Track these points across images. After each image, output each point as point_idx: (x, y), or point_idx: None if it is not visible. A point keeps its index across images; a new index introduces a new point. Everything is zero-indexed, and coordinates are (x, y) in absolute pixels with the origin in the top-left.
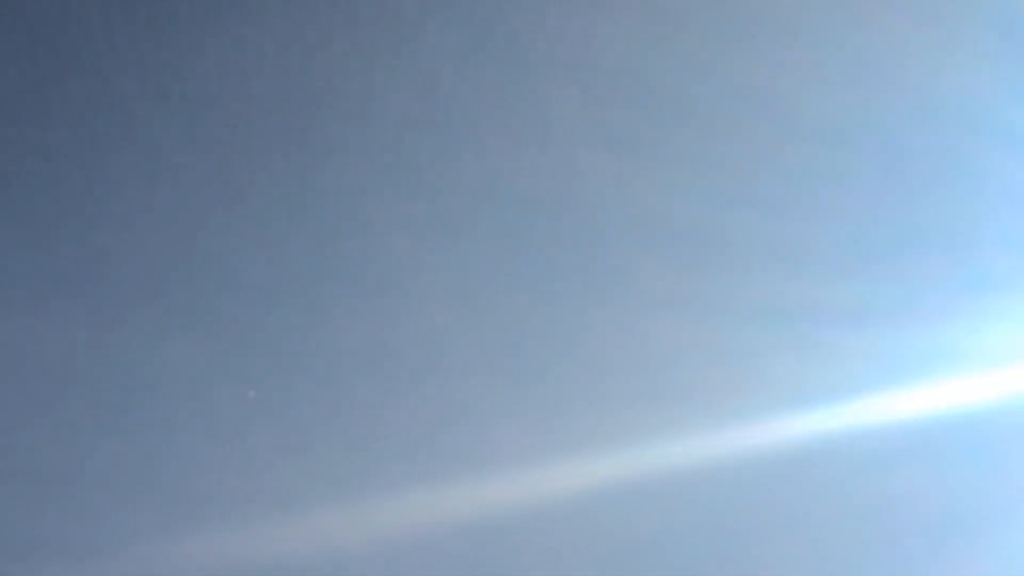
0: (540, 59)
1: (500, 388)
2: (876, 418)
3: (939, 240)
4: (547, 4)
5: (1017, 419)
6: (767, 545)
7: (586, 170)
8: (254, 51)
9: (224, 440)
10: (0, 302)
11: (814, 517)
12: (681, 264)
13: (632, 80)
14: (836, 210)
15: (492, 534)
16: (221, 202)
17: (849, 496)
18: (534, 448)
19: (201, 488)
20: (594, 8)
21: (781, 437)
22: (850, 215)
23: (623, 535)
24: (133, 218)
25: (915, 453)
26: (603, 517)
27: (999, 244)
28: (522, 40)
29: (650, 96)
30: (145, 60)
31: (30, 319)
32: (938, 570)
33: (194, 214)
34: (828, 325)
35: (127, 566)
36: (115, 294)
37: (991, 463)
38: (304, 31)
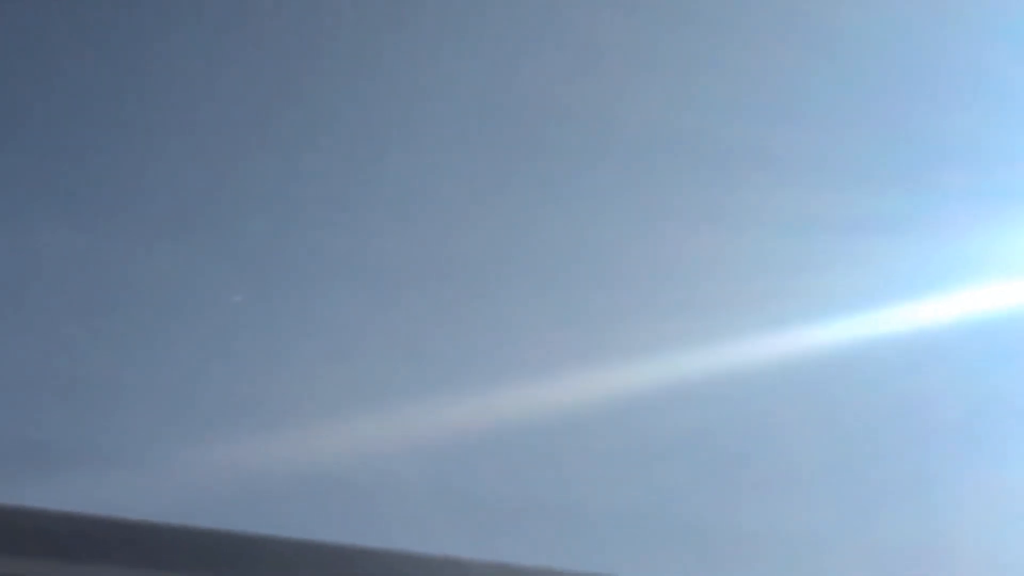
0: None
1: (530, 297)
2: (903, 327)
3: (966, 151)
4: None
5: None
6: (794, 450)
7: (610, 81)
8: None
9: (264, 348)
10: None
11: (841, 424)
12: (707, 175)
13: None
14: (863, 120)
15: (522, 442)
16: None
17: (876, 402)
18: (563, 358)
19: (239, 394)
20: None
21: (807, 346)
22: (878, 125)
23: (654, 441)
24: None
25: (942, 360)
26: (633, 424)
27: None
28: None
29: (666, 4)
30: None
31: (19, 227)
32: (964, 476)
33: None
34: (855, 235)
35: (148, 472)
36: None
37: (1019, 369)
38: None
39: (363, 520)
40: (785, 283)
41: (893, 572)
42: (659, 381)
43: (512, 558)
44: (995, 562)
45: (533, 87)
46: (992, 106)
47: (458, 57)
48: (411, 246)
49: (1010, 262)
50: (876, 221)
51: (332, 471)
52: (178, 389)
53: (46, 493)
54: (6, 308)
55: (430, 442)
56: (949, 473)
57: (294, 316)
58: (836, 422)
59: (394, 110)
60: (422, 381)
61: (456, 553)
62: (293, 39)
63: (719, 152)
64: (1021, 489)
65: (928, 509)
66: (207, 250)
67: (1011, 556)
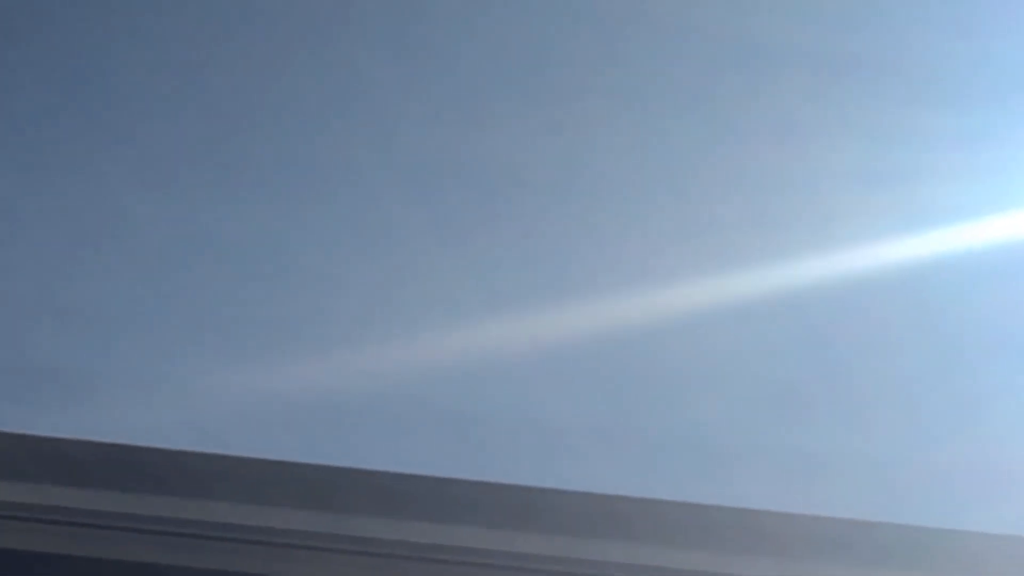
0: None
1: (632, 208)
2: (989, 240)
3: None
4: None
5: None
6: (879, 361)
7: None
8: None
9: (354, 259)
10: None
11: (928, 336)
12: (802, 90)
13: None
14: (951, 37)
15: (577, 365)
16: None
17: (964, 315)
18: (665, 268)
19: (321, 311)
20: None
21: (897, 259)
22: (965, 43)
23: (746, 352)
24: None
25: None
26: (725, 335)
27: None
28: None
29: None
30: None
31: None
32: None
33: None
34: (942, 150)
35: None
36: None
37: None
38: None
39: (398, 446)
40: (870, 197)
41: (957, 494)
42: (735, 297)
43: (567, 484)
44: None
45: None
46: None
47: None
48: (443, 152)
49: None
50: (972, 135)
51: (364, 395)
52: (199, 314)
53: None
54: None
55: (502, 364)
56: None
57: (324, 235)
58: (915, 341)
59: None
60: (487, 299)
61: (511, 480)
62: None
63: (819, 65)
64: None
65: (1001, 431)
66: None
67: None
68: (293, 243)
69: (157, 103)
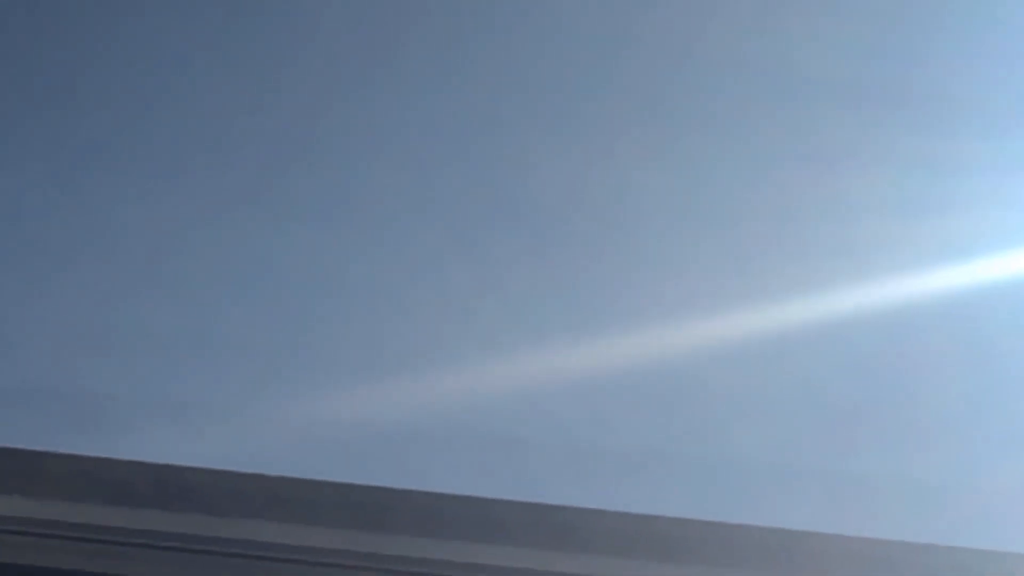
0: None
1: (684, 237)
2: None
3: None
4: None
5: None
6: (926, 387)
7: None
8: None
9: (403, 288)
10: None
11: (973, 363)
12: (835, 113)
13: None
14: (989, 65)
15: (675, 379)
16: None
17: (1009, 342)
18: (715, 296)
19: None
20: None
21: (941, 287)
22: (1004, 71)
23: (799, 379)
24: None
25: None
26: (779, 363)
27: None
28: None
29: None
30: None
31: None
32: None
33: None
34: (982, 178)
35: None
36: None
37: None
38: None
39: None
40: (914, 226)
41: (1007, 517)
42: (781, 326)
43: (633, 507)
44: None
45: (659, 29)
46: None
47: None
48: (491, 184)
49: None
50: (1011, 162)
51: (437, 421)
52: (251, 341)
53: (147, 445)
54: (103, 269)
55: (551, 390)
56: None
57: (375, 264)
58: (962, 368)
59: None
60: (553, 326)
61: (581, 503)
62: None
63: (848, 91)
64: None
65: None
66: (297, 209)
67: None
68: (343, 271)
69: (209, 131)
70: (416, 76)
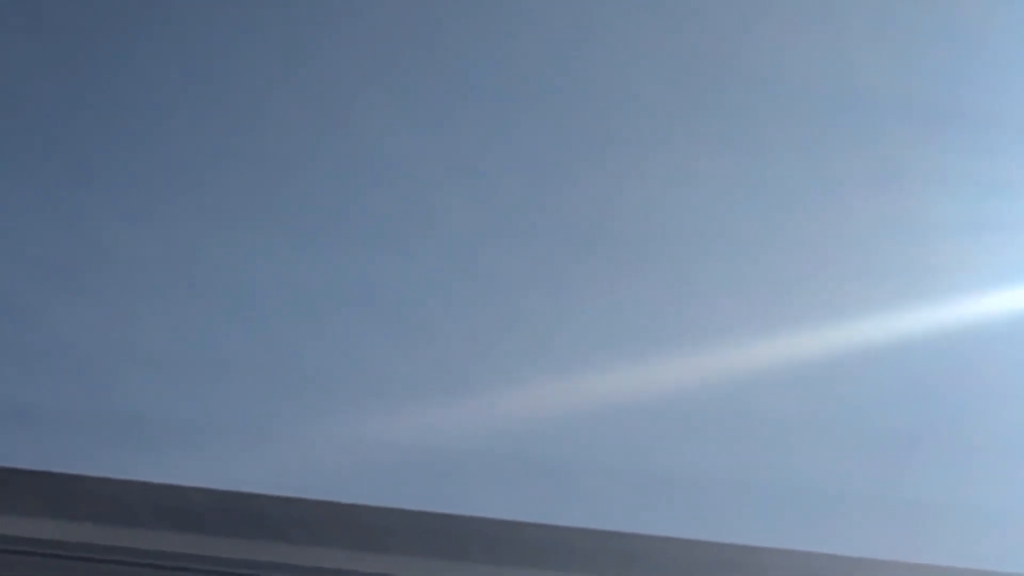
0: None
1: (737, 257)
2: None
3: None
4: None
5: None
6: (989, 411)
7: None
8: None
9: (457, 309)
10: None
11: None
12: (908, 139)
13: None
14: None
15: (724, 400)
16: None
17: None
18: (770, 317)
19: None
20: None
21: (1007, 308)
22: None
23: (855, 402)
24: None
25: None
26: (832, 385)
27: None
28: None
29: None
30: None
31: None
32: None
33: None
34: None
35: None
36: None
37: None
38: None
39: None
40: (983, 246)
41: None
42: (831, 350)
43: (684, 533)
44: None
45: (717, 46)
46: None
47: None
48: (546, 202)
49: None
50: None
51: (470, 445)
52: (299, 364)
53: (180, 468)
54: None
55: (600, 414)
56: None
57: (427, 285)
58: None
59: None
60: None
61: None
62: None
63: (925, 113)
64: None
65: None
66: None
67: None
68: (395, 292)
69: (245, 151)
70: (462, 93)
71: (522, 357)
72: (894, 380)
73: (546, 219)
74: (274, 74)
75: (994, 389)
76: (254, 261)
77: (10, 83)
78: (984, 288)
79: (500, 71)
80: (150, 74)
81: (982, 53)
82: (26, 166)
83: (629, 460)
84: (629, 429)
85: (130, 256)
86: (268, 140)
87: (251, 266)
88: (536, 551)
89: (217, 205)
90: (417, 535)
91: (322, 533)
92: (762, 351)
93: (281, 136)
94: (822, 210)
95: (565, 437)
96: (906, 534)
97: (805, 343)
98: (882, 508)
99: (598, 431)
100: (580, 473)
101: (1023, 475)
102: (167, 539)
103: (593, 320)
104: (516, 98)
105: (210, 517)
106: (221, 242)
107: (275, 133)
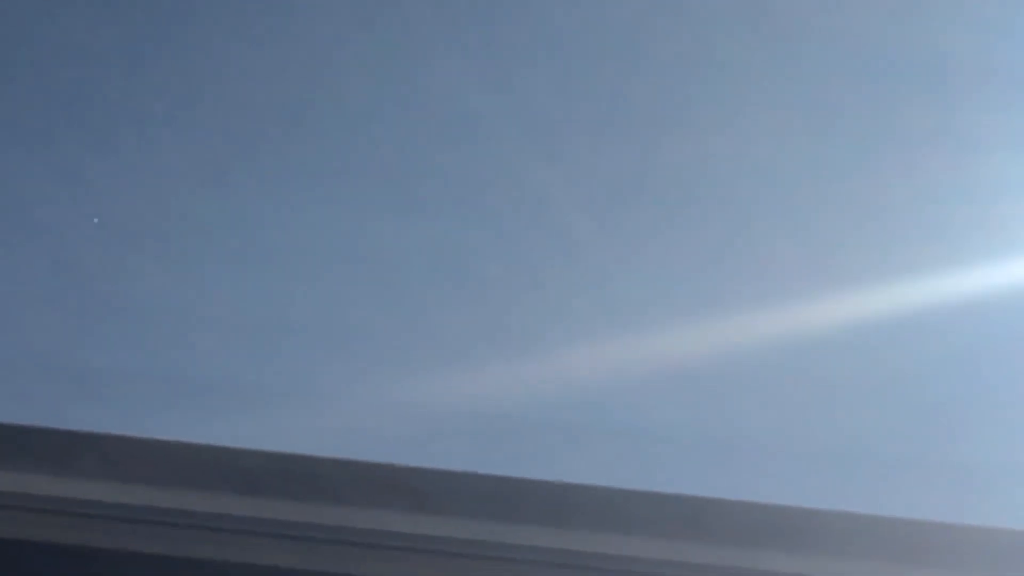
0: None
1: (803, 218)
2: None
3: None
4: None
5: None
6: None
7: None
8: None
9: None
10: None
11: None
12: (979, 101)
13: None
14: None
15: (785, 362)
16: None
17: None
18: (835, 277)
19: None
20: None
21: None
22: None
23: (901, 366)
24: None
25: None
26: (884, 348)
27: None
28: None
29: None
30: None
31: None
32: None
33: None
34: None
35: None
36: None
37: None
38: None
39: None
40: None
41: None
42: (889, 310)
43: (731, 494)
44: None
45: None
46: None
47: None
48: (618, 159)
49: None
50: None
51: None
52: (365, 324)
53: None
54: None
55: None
56: None
57: (496, 244)
58: None
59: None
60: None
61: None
62: None
63: (998, 76)
64: None
65: None
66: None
67: None
68: (464, 252)
69: (309, 114)
70: (535, 60)
71: (586, 318)
72: (954, 341)
73: (613, 180)
74: (343, 32)
75: None
76: (314, 224)
77: (78, 47)
78: None
79: (569, 27)
80: (219, 40)
81: None
82: (95, 131)
83: (687, 423)
84: (689, 391)
85: (192, 218)
86: (331, 101)
87: (311, 229)
88: (594, 514)
89: (279, 168)
90: (474, 498)
91: (378, 496)
92: (825, 312)
93: (345, 95)
94: (889, 170)
95: (631, 398)
96: (959, 497)
97: (871, 303)
98: (937, 471)
99: (660, 393)
100: (641, 437)
101: None
102: (225, 502)
103: (658, 282)
104: (590, 64)
105: (268, 479)
106: (281, 204)
107: (339, 92)
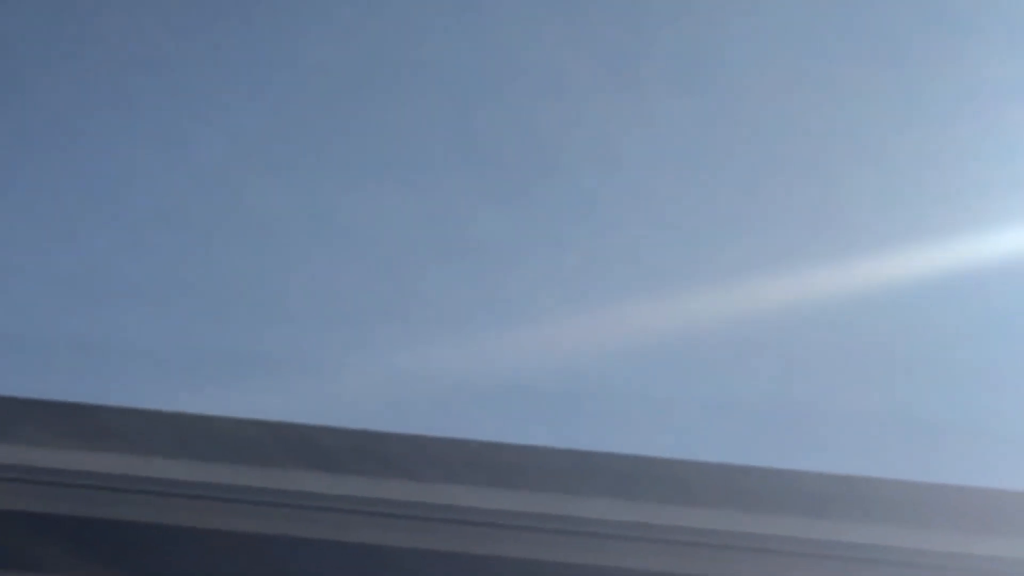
0: None
1: (830, 179)
2: None
3: None
4: None
5: None
6: None
7: None
8: None
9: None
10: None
11: None
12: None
13: None
14: None
15: (768, 339)
16: None
17: None
18: (861, 240)
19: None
20: None
21: None
22: None
23: (937, 326)
24: None
25: None
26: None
27: None
28: None
29: None
30: None
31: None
32: None
33: None
34: None
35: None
36: None
37: None
38: None
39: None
40: None
41: None
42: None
43: (759, 462)
44: None
45: None
46: None
47: None
48: (619, 126)
49: None
50: None
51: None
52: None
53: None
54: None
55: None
56: None
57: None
58: None
59: None
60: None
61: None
62: None
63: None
64: None
65: None
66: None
67: None
68: (477, 222)
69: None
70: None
71: (585, 285)
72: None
73: (619, 146)
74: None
75: None
76: (310, 196)
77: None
78: None
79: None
80: (280, 31)
81: None
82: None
83: (689, 388)
84: (707, 358)
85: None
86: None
87: (309, 201)
88: (589, 479)
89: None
90: (467, 464)
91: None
92: (851, 274)
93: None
94: (914, 127)
95: (648, 366)
96: (985, 460)
97: (893, 266)
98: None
99: (679, 360)
100: (637, 401)
101: None
102: (227, 472)
103: (674, 247)
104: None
105: (276, 450)
106: (286, 182)
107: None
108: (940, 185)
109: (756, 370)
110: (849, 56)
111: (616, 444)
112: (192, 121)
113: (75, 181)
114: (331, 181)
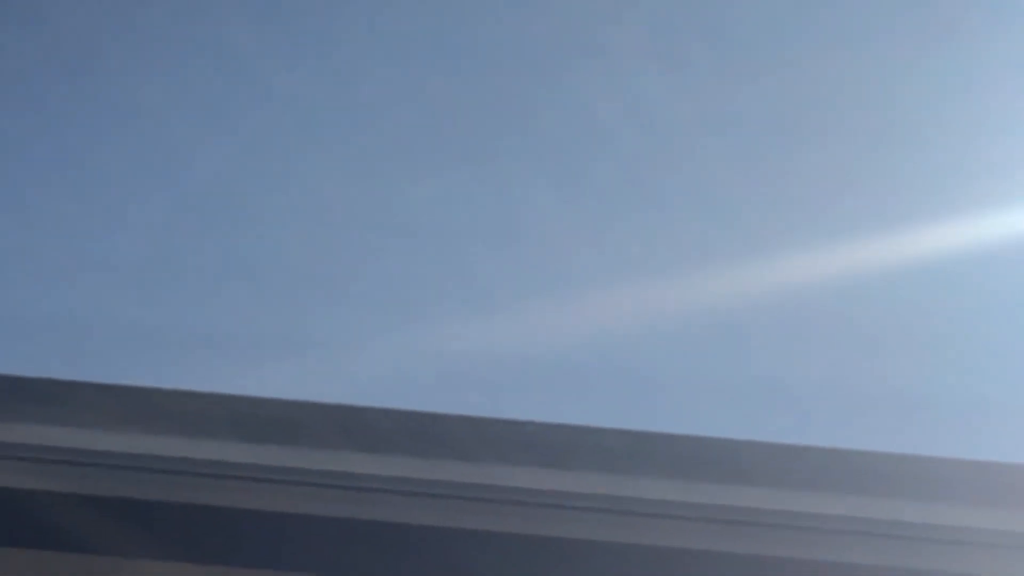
0: None
1: (846, 160)
2: None
3: None
4: None
5: None
6: None
7: None
8: None
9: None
10: None
11: None
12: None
13: None
14: None
15: (789, 317)
16: None
17: None
18: (869, 222)
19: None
20: None
21: None
22: None
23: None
24: None
25: None
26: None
27: None
28: None
29: None
30: None
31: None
32: None
33: None
34: None
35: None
36: None
37: None
38: None
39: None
40: None
41: None
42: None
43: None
44: None
45: None
46: None
47: None
48: (631, 111)
49: None
50: None
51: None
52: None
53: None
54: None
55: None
56: None
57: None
58: None
59: None
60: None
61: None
62: None
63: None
64: None
65: None
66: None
67: None
68: (490, 202)
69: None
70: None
71: (614, 265)
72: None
73: (633, 129)
74: None
75: None
76: (370, 182)
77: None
78: None
79: None
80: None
81: None
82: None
83: (716, 367)
84: (715, 338)
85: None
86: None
87: (368, 187)
88: (615, 457)
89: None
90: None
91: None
92: (857, 255)
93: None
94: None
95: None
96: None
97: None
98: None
99: (693, 339)
100: (669, 380)
101: None
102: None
103: (683, 228)
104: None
105: (327, 431)
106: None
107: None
108: (942, 166)
109: (807, 350)
110: (847, 39)
111: (667, 424)
112: (248, 97)
113: (132, 164)
114: (382, 164)
